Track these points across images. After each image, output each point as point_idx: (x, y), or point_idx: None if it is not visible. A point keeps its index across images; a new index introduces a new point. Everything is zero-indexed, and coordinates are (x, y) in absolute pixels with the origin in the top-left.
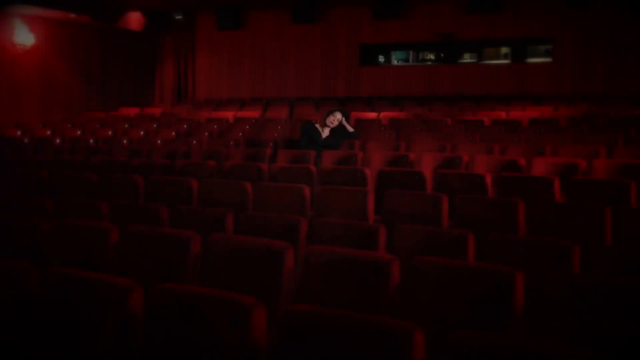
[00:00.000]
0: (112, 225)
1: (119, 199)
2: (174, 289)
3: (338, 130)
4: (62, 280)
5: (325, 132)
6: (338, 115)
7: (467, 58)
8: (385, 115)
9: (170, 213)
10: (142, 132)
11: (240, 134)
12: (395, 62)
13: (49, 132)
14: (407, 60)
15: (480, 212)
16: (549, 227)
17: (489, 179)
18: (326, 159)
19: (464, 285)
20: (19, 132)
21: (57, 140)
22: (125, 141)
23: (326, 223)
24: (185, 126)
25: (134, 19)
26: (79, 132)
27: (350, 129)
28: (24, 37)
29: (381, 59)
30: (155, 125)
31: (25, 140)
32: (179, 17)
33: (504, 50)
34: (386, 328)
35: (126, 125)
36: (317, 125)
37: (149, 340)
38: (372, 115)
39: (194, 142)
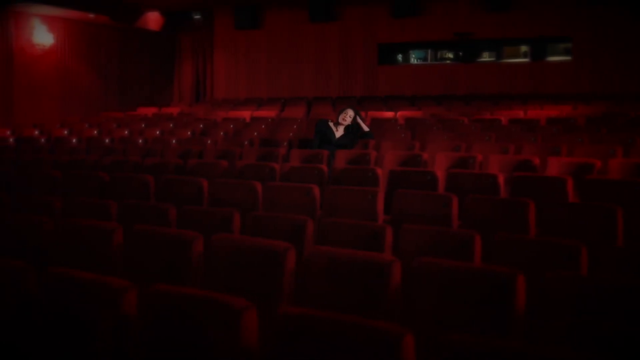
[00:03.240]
0: (116, 225)
1: (129, 198)
2: (168, 290)
3: (353, 129)
4: (60, 280)
5: (340, 131)
6: (350, 112)
7: (485, 57)
8: (402, 114)
9: (178, 213)
10: (157, 132)
11: (255, 133)
12: (413, 61)
13: (66, 132)
14: (425, 59)
15: (490, 213)
16: (560, 227)
17: (501, 179)
18: (339, 159)
19: (465, 287)
20: (36, 132)
21: (74, 140)
22: (140, 141)
23: (333, 223)
24: (201, 126)
25: (153, 19)
26: (95, 132)
27: (366, 128)
28: (43, 37)
29: (399, 58)
30: (171, 125)
31: (42, 140)
32: (197, 16)
33: (523, 48)
34: (377, 332)
35: (143, 125)
36: (332, 124)
37: (142, 341)
38: (389, 114)
39: (209, 141)
